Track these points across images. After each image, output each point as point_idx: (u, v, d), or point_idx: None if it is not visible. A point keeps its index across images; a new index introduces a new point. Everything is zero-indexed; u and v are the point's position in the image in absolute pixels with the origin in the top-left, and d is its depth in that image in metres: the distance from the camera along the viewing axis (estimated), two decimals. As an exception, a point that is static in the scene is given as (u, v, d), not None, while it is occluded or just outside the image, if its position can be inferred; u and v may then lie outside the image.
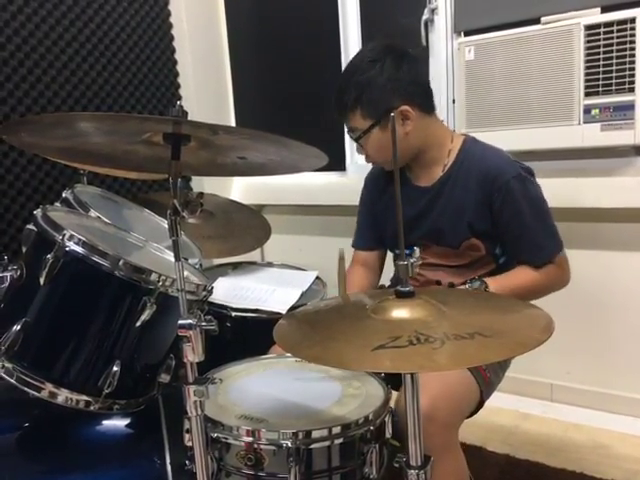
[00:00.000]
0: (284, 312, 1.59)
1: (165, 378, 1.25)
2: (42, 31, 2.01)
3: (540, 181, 1.37)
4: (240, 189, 2.69)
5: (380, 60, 1.30)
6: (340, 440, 0.97)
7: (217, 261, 2.11)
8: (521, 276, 1.33)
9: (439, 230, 1.37)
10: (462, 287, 1.31)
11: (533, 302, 0.95)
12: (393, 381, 1.11)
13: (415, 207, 1.40)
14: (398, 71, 1.30)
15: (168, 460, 1.20)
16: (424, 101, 1.35)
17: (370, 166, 1.55)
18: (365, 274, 1.54)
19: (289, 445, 0.94)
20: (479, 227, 1.33)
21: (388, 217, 1.48)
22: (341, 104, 1.35)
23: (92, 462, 1.22)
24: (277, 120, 2.64)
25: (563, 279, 1.36)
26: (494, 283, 1.30)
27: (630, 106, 1.77)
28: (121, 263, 1.12)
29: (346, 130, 1.40)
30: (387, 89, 1.30)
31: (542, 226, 1.32)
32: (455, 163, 1.37)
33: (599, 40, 1.79)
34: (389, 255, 1.58)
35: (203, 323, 0.91)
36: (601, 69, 1.79)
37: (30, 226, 1.19)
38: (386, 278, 1.57)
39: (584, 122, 1.84)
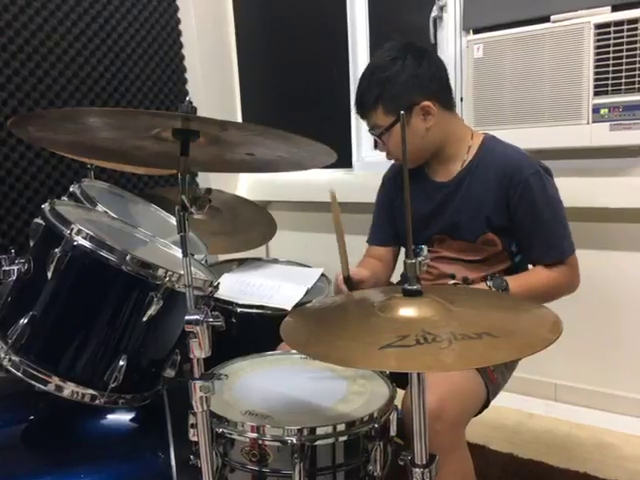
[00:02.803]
0: (289, 308, 1.59)
1: (170, 373, 1.25)
2: (50, 25, 2.01)
3: (548, 180, 1.36)
4: (246, 185, 2.69)
5: (401, 57, 1.32)
6: (344, 437, 0.97)
7: (223, 257, 2.11)
8: (537, 276, 1.34)
9: (456, 224, 1.38)
10: (482, 284, 1.32)
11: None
12: (399, 380, 1.11)
13: (432, 202, 1.41)
14: (419, 67, 1.31)
15: (172, 455, 1.21)
16: (445, 97, 1.36)
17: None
18: (377, 263, 1.54)
19: (294, 441, 0.94)
20: (497, 222, 1.34)
21: (404, 214, 1.48)
22: (363, 102, 1.36)
23: (97, 456, 1.23)
24: (283, 116, 2.64)
25: (574, 282, 1.36)
26: (513, 282, 1.30)
27: (639, 106, 1.76)
28: (128, 258, 1.13)
29: (368, 129, 1.41)
30: (408, 85, 1.31)
31: (556, 225, 1.32)
32: (474, 159, 1.37)
33: (609, 39, 1.77)
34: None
35: (210, 319, 0.91)
36: (611, 68, 1.78)
37: (38, 220, 1.20)
38: (396, 274, 1.56)
39: (593, 121, 1.83)
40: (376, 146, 1.46)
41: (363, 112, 1.38)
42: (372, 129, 1.39)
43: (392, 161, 1.48)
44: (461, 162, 1.39)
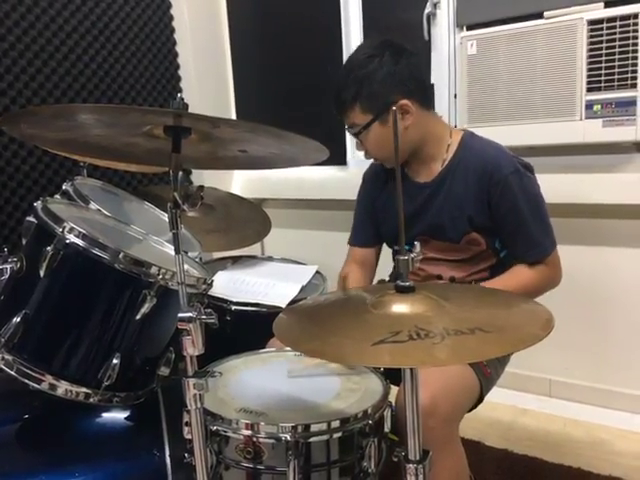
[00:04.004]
0: (284, 306, 1.59)
1: (165, 371, 1.25)
2: (42, 22, 2.00)
3: (541, 177, 1.36)
4: (240, 183, 2.69)
5: (378, 55, 1.30)
6: (339, 434, 0.97)
7: (217, 255, 2.11)
8: (517, 278, 1.33)
9: (439, 225, 1.37)
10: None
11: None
12: (393, 376, 1.11)
13: (414, 203, 1.39)
14: (397, 65, 1.30)
15: (167, 453, 1.21)
16: (423, 96, 1.35)
17: (370, 161, 1.55)
18: (361, 272, 1.53)
19: (288, 438, 0.94)
20: (479, 221, 1.33)
21: (387, 213, 1.48)
22: (340, 100, 1.35)
23: (91, 454, 1.22)
24: (277, 113, 2.63)
25: (555, 279, 1.36)
26: (489, 285, 1.31)
27: (632, 102, 1.76)
28: (121, 256, 1.12)
29: (346, 127, 1.40)
30: (386, 83, 1.29)
31: (538, 223, 1.32)
32: (454, 158, 1.37)
33: (602, 35, 1.78)
34: (385, 251, 1.58)
35: (203, 316, 0.91)
36: (604, 64, 1.78)
37: (30, 218, 1.19)
38: (385, 273, 1.57)
39: (586, 118, 1.83)
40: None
41: (341, 110, 1.36)
42: (350, 127, 1.38)
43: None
44: (441, 161, 1.37)
